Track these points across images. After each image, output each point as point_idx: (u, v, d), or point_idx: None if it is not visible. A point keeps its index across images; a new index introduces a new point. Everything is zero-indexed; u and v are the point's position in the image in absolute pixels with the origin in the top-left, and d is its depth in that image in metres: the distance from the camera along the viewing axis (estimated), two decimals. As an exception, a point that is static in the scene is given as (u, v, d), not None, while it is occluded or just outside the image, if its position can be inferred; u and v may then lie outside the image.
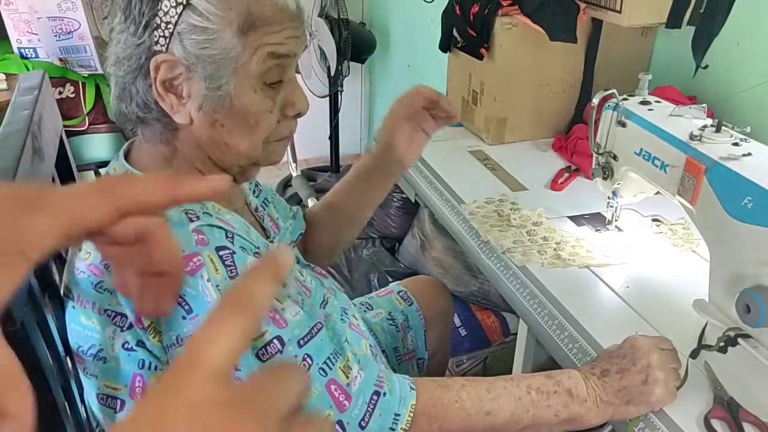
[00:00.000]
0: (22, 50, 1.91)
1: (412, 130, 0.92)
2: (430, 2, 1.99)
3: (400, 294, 1.18)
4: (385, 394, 0.68)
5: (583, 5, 1.26)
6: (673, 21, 1.18)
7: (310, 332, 0.67)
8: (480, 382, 0.73)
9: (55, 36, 1.90)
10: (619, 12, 1.18)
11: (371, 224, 1.87)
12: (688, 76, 1.19)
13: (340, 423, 0.65)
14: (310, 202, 2.47)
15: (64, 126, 1.18)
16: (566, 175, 1.26)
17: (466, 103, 1.47)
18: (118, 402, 0.69)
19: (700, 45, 1.15)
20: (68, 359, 0.75)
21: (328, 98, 2.62)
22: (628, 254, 1.00)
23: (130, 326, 0.64)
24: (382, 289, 1.22)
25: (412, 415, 0.68)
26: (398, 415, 0.67)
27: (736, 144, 0.76)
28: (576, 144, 1.33)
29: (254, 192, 0.91)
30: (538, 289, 0.92)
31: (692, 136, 0.79)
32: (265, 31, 0.67)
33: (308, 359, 0.65)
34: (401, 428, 0.67)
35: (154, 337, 0.63)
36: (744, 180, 0.70)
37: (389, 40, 2.78)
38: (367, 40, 2.65)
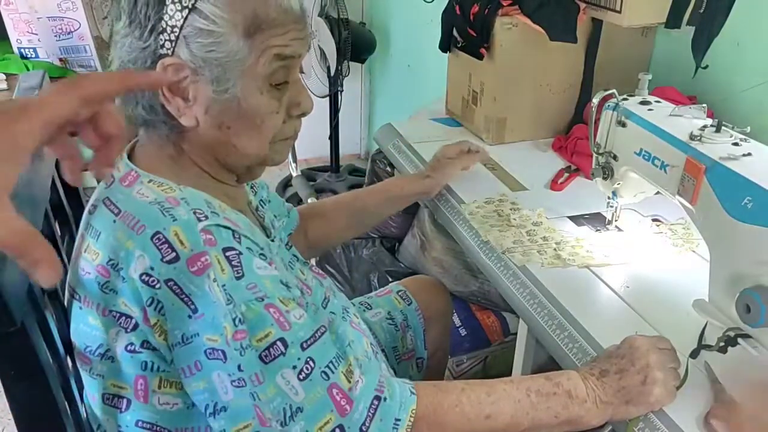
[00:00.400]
0: (22, 50, 1.92)
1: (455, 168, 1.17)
2: (430, 2, 1.99)
3: (399, 293, 1.18)
4: (385, 399, 0.68)
5: (583, 5, 1.26)
6: (673, 21, 1.18)
7: (314, 336, 0.67)
8: (479, 386, 0.73)
9: (55, 36, 1.90)
10: (619, 12, 1.17)
11: (371, 224, 1.86)
12: (688, 76, 1.19)
13: (341, 427, 0.65)
14: (310, 202, 2.47)
15: (64, 126, 1.18)
16: (566, 175, 1.26)
17: (466, 103, 1.47)
18: (124, 401, 0.69)
19: (700, 45, 1.15)
20: (68, 359, 0.75)
21: (328, 98, 2.62)
22: (628, 254, 1.00)
23: (135, 327, 0.64)
24: (381, 288, 1.23)
25: (412, 420, 0.68)
26: (399, 420, 0.67)
27: (736, 144, 0.76)
28: (576, 144, 1.32)
29: (252, 191, 0.91)
30: (537, 288, 0.92)
31: (692, 136, 0.79)
32: (271, 33, 0.67)
33: (311, 362, 0.65)
34: None
35: (159, 336, 0.63)
36: (744, 180, 0.70)
37: (389, 40, 2.78)
38: (367, 40, 2.65)
